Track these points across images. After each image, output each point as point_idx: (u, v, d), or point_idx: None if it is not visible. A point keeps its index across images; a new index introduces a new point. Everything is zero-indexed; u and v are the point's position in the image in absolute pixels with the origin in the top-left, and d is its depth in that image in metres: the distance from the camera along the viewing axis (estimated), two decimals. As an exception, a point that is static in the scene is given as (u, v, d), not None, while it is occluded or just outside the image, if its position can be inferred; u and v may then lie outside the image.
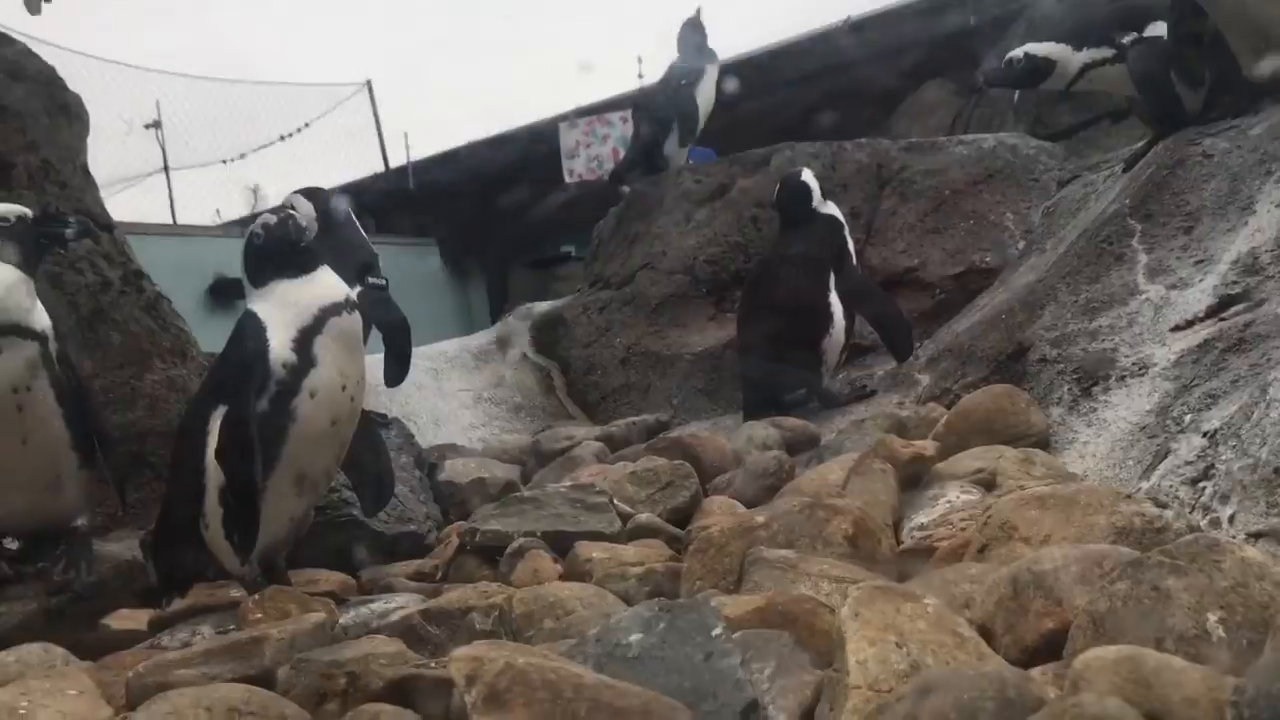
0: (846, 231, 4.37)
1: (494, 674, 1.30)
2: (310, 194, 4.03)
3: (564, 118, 9.00)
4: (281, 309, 2.53)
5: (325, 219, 3.81)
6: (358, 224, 4.16)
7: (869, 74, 8.42)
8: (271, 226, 2.61)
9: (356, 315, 2.63)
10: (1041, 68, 4.20)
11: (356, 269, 4.19)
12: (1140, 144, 4.19)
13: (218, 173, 11.81)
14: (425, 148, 11.56)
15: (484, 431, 4.80)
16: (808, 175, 4.47)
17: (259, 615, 2.28)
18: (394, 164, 11.64)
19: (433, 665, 1.70)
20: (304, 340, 2.51)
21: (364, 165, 11.64)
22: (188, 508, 2.52)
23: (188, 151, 11.60)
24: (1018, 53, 4.27)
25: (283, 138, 12.06)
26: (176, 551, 2.60)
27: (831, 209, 4.40)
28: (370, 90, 12.40)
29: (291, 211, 2.81)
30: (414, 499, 3.48)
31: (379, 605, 2.47)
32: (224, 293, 8.18)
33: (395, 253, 7.93)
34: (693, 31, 6.24)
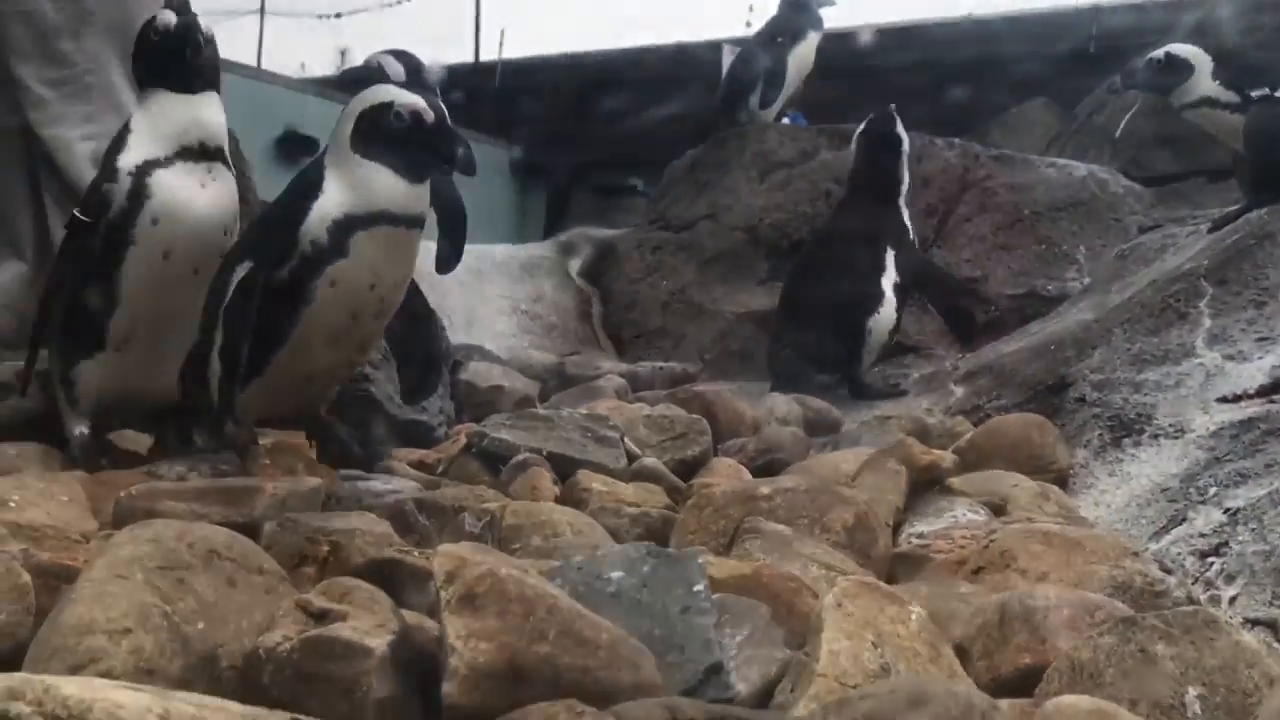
0: (905, 207, 4.27)
1: (474, 577, 1.30)
2: (400, 55, 3.91)
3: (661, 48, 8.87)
4: (346, 189, 2.33)
5: (410, 86, 3.75)
6: (439, 100, 4.12)
7: (977, 76, 8.24)
8: (421, 114, 2.33)
9: (417, 233, 2.43)
10: (1179, 70, 4.07)
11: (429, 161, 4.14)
12: (1234, 208, 4.09)
13: (311, 26, 11.78)
14: (519, 49, 11.48)
15: (514, 342, 4.80)
16: (902, 129, 4.32)
17: (267, 462, 2.29)
18: (485, 58, 11.56)
19: (415, 554, 1.71)
20: (345, 227, 2.31)
21: (455, 53, 11.57)
22: (204, 355, 2.47)
23: (284, -1, 11.58)
24: (1159, 53, 4.15)
25: (382, 5, 12.00)
26: (197, 393, 2.60)
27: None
28: (477, -20, 12.28)
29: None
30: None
31: (376, 484, 2.48)
32: (292, 147, 8.18)
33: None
34: None
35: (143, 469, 2.45)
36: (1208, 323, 3.32)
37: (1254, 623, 1.96)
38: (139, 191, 2.38)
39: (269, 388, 2.39)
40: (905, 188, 4.27)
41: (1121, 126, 6.41)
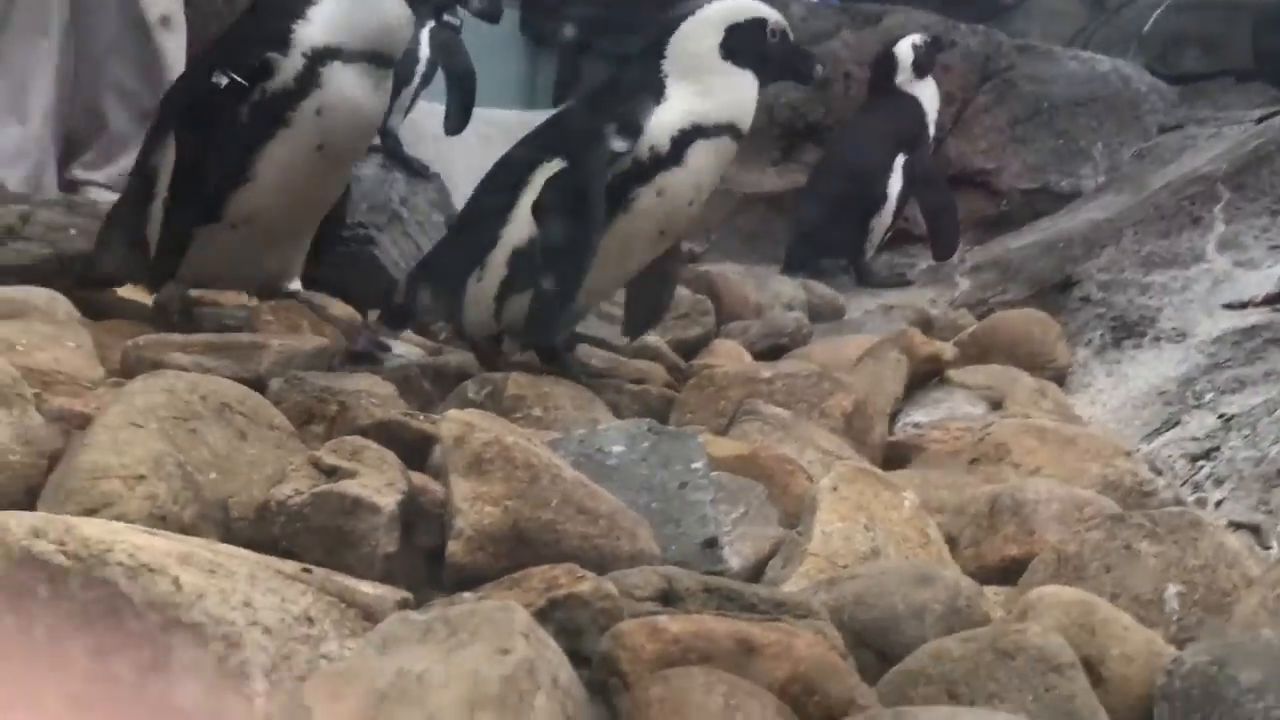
0: (929, 116, 4.26)
1: (481, 443, 1.32)
2: None
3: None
4: (698, 96, 2.19)
5: None
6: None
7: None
8: (788, 31, 2.30)
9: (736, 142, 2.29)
10: None
11: (435, 2, 4.05)
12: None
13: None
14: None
15: (520, 210, 4.75)
16: (903, 48, 4.31)
17: (270, 320, 2.30)
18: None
19: (420, 418, 1.74)
20: (689, 136, 2.18)
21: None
22: (465, 252, 2.31)
23: None
24: None
25: None
26: (430, 288, 2.39)
27: (921, 89, 4.27)
28: None
29: None
30: (437, 257, 3.48)
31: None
32: None
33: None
34: None
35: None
36: (1221, 228, 3.31)
37: (1238, 526, 2.01)
38: (310, 78, 2.18)
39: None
40: (928, 112, 4.25)
41: (1151, 21, 6.25)
